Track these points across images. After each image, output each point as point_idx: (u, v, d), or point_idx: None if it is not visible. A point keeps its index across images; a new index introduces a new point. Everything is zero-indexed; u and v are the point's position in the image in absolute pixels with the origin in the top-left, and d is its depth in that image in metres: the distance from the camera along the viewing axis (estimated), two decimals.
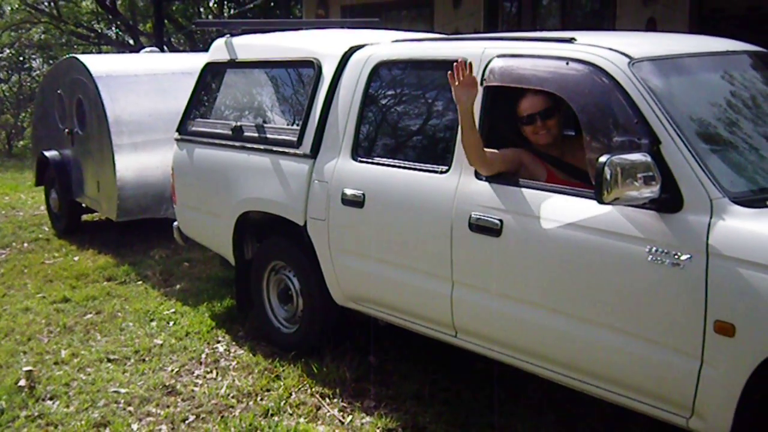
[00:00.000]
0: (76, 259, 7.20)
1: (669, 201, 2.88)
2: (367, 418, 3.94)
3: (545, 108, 3.55)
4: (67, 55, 8.52)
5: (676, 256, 2.82)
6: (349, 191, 4.09)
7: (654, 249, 2.88)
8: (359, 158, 4.14)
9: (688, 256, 2.79)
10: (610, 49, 3.25)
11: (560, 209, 3.21)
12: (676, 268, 2.82)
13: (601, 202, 2.87)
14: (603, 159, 2.81)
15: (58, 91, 8.14)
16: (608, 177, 2.80)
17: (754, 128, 3.26)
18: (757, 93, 3.48)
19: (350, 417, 3.97)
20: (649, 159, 2.85)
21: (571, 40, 3.43)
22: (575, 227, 3.13)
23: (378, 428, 3.83)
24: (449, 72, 3.44)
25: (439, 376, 4.31)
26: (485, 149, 3.50)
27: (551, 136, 3.60)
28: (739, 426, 2.76)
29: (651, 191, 2.85)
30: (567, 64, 3.30)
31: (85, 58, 7.59)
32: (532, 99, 3.55)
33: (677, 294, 2.83)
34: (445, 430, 3.77)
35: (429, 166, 3.79)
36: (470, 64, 3.45)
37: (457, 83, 3.41)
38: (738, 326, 2.67)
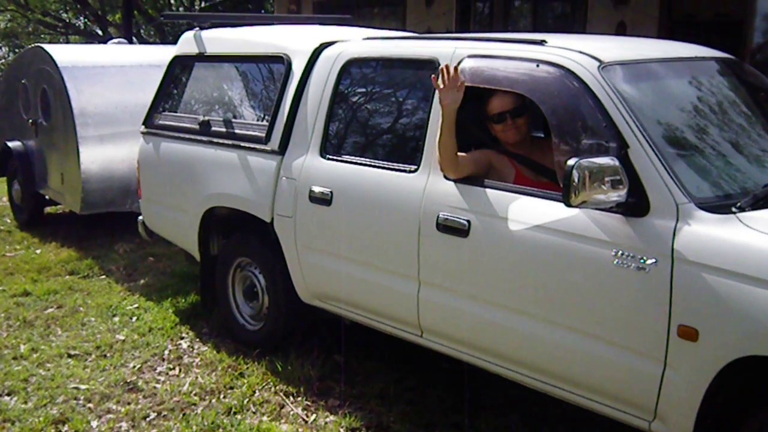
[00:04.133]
0: (38, 252, 7.09)
1: (636, 205, 2.89)
2: (331, 417, 3.92)
3: (515, 107, 3.56)
4: (33, 45, 8.38)
5: (641, 260, 2.84)
6: (316, 189, 4.06)
7: (620, 253, 2.89)
8: (328, 156, 4.11)
9: (654, 260, 2.81)
10: (581, 52, 3.26)
11: (528, 211, 3.22)
12: (641, 272, 2.84)
13: (568, 205, 2.87)
14: (571, 162, 2.82)
15: (23, 81, 8.01)
16: (576, 180, 2.80)
17: (720, 134, 3.29)
18: (724, 99, 3.52)
19: (314, 416, 3.94)
20: (616, 163, 2.86)
21: (542, 42, 3.43)
22: (542, 229, 3.14)
23: (342, 427, 3.81)
24: (432, 75, 3.43)
25: (404, 375, 4.30)
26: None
27: (520, 135, 3.61)
28: (701, 430, 2.78)
29: (618, 195, 2.86)
30: (537, 66, 3.31)
31: (50, 48, 7.47)
32: (502, 98, 3.55)
33: (642, 298, 2.85)
34: (409, 430, 3.76)
35: (398, 165, 3.77)
36: (456, 67, 3.44)
37: (442, 86, 3.40)
38: (701, 331, 2.69)
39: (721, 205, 2.82)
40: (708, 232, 2.73)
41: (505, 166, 3.58)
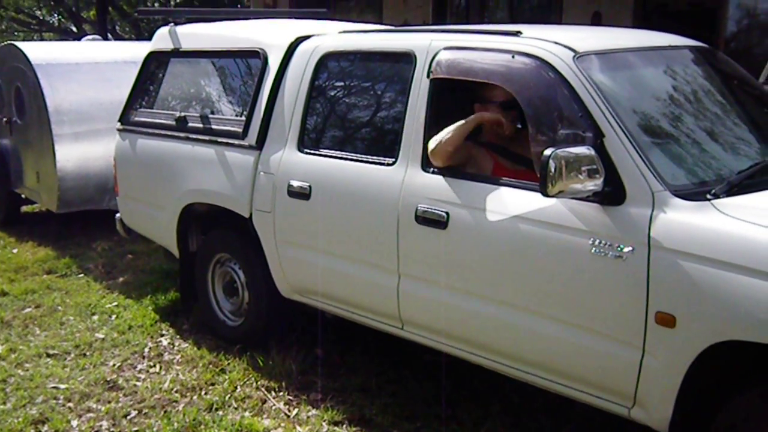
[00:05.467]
0: (14, 251, 7.02)
1: (612, 194, 2.91)
2: (313, 411, 3.92)
3: (510, 98, 3.52)
4: (6, 42, 8.29)
5: (618, 248, 2.86)
6: (295, 183, 4.05)
7: (597, 241, 2.91)
8: (305, 150, 4.10)
9: (631, 248, 2.83)
10: (556, 42, 3.27)
11: (506, 202, 3.23)
12: (618, 260, 2.86)
13: (545, 195, 2.88)
14: (548, 152, 2.83)
15: None
16: (553, 170, 2.81)
17: (695, 122, 3.32)
18: (699, 88, 3.55)
19: (296, 410, 3.94)
20: (592, 152, 2.87)
21: (517, 33, 3.44)
22: (520, 220, 3.15)
23: (324, 421, 3.81)
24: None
25: (385, 368, 4.31)
26: None
27: (513, 128, 3.59)
28: (679, 415, 2.81)
29: (594, 184, 2.87)
30: (513, 57, 3.31)
31: (24, 46, 7.39)
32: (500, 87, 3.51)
33: (620, 285, 2.87)
34: (391, 422, 3.77)
35: (376, 159, 3.76)
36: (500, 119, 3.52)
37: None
38: (678, 317, 2.72)
39: (697, 193, 2.84)
40: (683, 220, 2.75)
41: (483, 157, 3.59)
